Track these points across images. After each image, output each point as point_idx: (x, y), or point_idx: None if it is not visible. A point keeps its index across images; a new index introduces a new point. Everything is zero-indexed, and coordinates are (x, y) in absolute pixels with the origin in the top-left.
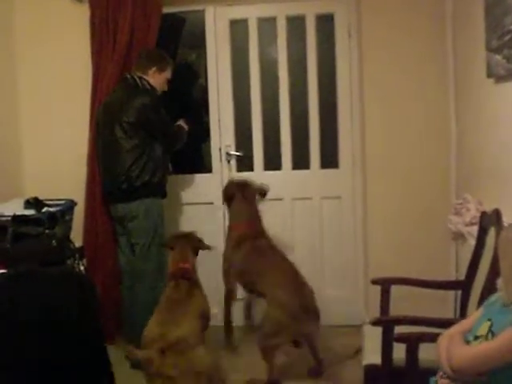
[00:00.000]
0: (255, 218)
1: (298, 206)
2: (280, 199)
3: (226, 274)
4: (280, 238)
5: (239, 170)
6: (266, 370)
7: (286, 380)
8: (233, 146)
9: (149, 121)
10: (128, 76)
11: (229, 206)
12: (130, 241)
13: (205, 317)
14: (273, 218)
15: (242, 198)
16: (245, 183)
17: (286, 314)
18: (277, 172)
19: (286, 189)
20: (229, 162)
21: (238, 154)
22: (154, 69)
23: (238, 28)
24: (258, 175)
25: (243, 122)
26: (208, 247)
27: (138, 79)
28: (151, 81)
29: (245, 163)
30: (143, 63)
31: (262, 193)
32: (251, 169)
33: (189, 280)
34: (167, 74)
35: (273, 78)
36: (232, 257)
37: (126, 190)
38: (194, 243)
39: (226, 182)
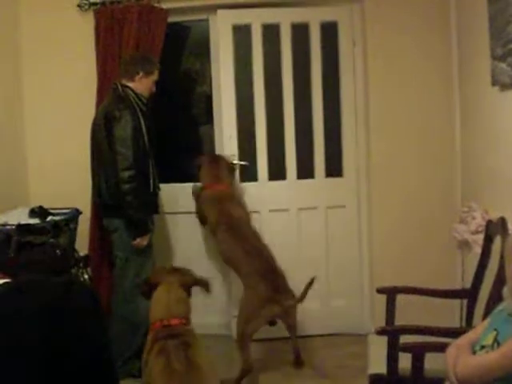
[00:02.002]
0: (223, 180)
1: (304, 216)
2: (286, 210)
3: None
4: (287, 249)
5: (242, 180)
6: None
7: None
8: (236, 156)
9: (109, 132)
10: (114, 85)
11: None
12: (113, 253)
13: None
14: (279, 228)
15: (210, 164)
16: (215, 155)
17: (258, 296)
18: (282, 182)
19: (292, 199)
20: None
21: (243, 163)
22: (140, 74)
23: (241, 36)
24: (262, 185)
25: (247, 130)
26: (206, 284)
27: (120, 88)
28: (138, 87)
29: (249, 173)
30: (128, 69)
31: (231, 167)
32: (255, 179)
33: (182, 339)
34: (154, 76)
35: (277, 86)
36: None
37: (105, 205)
38: (187, 280)
39: None
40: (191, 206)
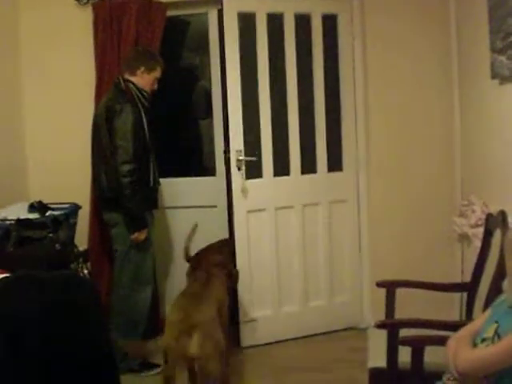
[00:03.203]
0: None
1: (308, 212)
2: (291, 207)
3: None
4: (291, 246)
5: (248, 176)
6: None
7: None
8: (242, 152)
9: (110, 125)
10: (116, 80)
11: None
12: (113, 247)
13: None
14: (284, 225)
15: None
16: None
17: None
18: (286, 177)
19: (296, 195)
20: (239, 168)
21: (251, 159)
22: (142, 69)
23: (243, 28)
24: (268, 182)
25: (252, 124)
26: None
27: (122, 82)
28: (140, 82)
29: (254, 170)
30: (131, 64)
31: None
32: (260, 175)
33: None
34: (157, 73)
35: (280, 78)
36: None
37: (105, 199)
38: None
39: (232, 185)
40: (191, 200)
